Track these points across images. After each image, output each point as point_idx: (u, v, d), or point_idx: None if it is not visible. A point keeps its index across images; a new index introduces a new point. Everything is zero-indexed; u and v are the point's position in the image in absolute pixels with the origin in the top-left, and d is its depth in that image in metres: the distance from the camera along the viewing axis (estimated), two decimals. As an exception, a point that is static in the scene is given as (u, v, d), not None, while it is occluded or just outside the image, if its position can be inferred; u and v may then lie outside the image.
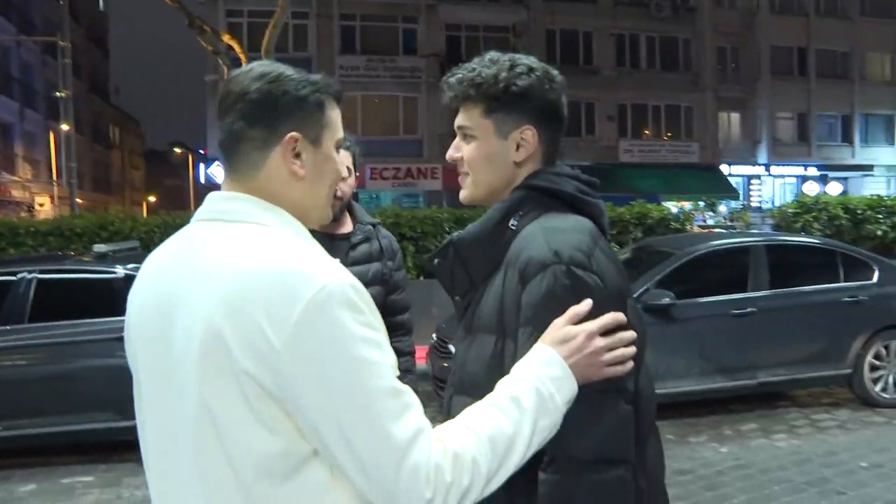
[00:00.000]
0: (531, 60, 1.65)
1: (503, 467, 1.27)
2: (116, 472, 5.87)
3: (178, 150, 66.21)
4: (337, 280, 1.17)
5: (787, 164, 35.29)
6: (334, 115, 1.39)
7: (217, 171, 27.87)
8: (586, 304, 1.43)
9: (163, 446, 1.28)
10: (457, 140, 1.68)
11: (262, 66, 1.34)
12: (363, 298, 1.19)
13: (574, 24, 31.98)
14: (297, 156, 1.32)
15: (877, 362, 7.23)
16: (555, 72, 1.66)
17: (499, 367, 1.49)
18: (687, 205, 19.18)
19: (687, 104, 34.02)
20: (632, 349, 1.45)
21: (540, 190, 1.61)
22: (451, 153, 1.69)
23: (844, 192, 29.57)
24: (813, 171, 35.33)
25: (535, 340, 1.42)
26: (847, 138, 36.60)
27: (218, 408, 1.16)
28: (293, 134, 1.31)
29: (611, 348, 1.42)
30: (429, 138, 29.43)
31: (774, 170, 35.69)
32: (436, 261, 1.67)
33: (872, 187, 32.88)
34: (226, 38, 15.49)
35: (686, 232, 12.02)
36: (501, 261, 1.57)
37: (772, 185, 36.14)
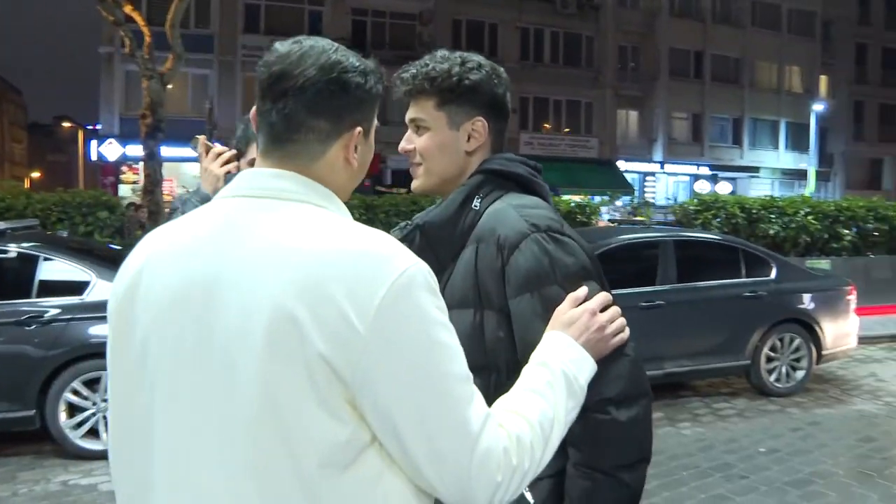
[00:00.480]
0: (480, 58, 1.75)
1: (548, 450, 1.32)
2: (9, 466, 5.56)
3: (66, 124, 62.82)
4: (416, 263, 1.16)
5: (681, 163, 36.67)
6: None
7: (109, 150, 26.88)
8: (582, 291, 1.54)
9: (179, 441, 1.16)
10: (409, 133, 1.75)
11: (325, 52, 1.25)
12: (436, 283, 1.20)
13: (480, 16, 32.23)
14: (355, 147, 1.31)
15: (772, 354, 7.61)
16: (501, 69, 1.77)
17: (479, 338, 1.59)
18: (596, 199, 19.60)
19: (587, 100, 34.84)
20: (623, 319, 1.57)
21: (496, 173, 1.71)
22: (403, 145, 1.76)
23: (733, 192, 30.99)
24: (704, 171, 36.87)
25: (538, 302, 1.53)
26: (737, 140, 38.33)
27: (283, 396, 1.08)
28: (358, 129, 1.30)
29: (611, 321, 1.53)
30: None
31: (668, 167, 37.01)
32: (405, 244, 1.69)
33: (758, 188, 34.58)
34: (127, 8, 14.86)
35: (591, 225, 12.32)
36: (466, 240, 1.66)
37: (665, 182, 37.45)
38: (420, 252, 1.60)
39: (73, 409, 5.62)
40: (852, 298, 8.12)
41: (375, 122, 1.37)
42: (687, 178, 37.25)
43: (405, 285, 1.12)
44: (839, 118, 41.50)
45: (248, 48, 27.91)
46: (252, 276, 1.12)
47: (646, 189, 36.39)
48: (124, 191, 26.11)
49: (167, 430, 1.16)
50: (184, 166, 26.35)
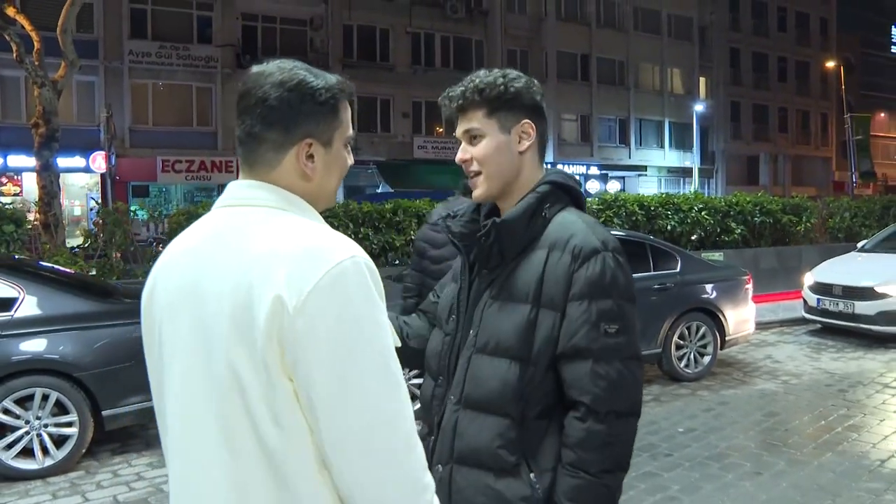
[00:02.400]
0: (517, 72, 1.93)
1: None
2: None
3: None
4: (354, 256, 1.28)
5: (572, 163, 37.58)
6: (346, 115, 1.49)
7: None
8: None
9: (177, 418, 1.38)
10: (463, 145, 1.91)
11: (282, 71, 1.41)
12: (375, 278, 1.31)
13: (371, 21, 32.16)
14: (310, 157, 1.43)
15: (681, 342, 8.10)
16: (535, 80, 1.95)
17: (530, 332, 1.77)
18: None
19: (479, 103, 35.24)
20: None
21: (559, 186, 1.91)
22: (460, 156, 1.92)
23: (622, 190, 32.07)
24: (594, 170, 37.94)
25: (593, 310, 1.74)
26: (624, 140, 39.63)
27: (243, 371, 1.26)
28: (307, 140, 1.42)
29: None
30: (223, 130, 28.44)
31: (560, 168, 37.77)
32: (482, 238, 1.87)
33: (646, 186, 35.91)
34: (11, 10, 14.24)
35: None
36: (532, 242, 1.84)
37: (557, 182, 38.22)
38: (492, 245, 1.85)
39: (3, 429, 5.45)
40: (750, 287, 8.72)
41: (349, 132, 1.50)
42: (578, 178, 38.20)
43: (338, 275, 1.25)
44: (718, 118, 43.59)
45: (135, 54, 27.01)
46: (224, 274, 1.31)
47: (538, 189, 37.05)
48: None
49: (171, 408, 1.40)
50: (70, 177, 25.36)
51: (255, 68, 1.44)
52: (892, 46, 58.20)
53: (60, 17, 13.40)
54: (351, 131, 1.52)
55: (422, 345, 2.08)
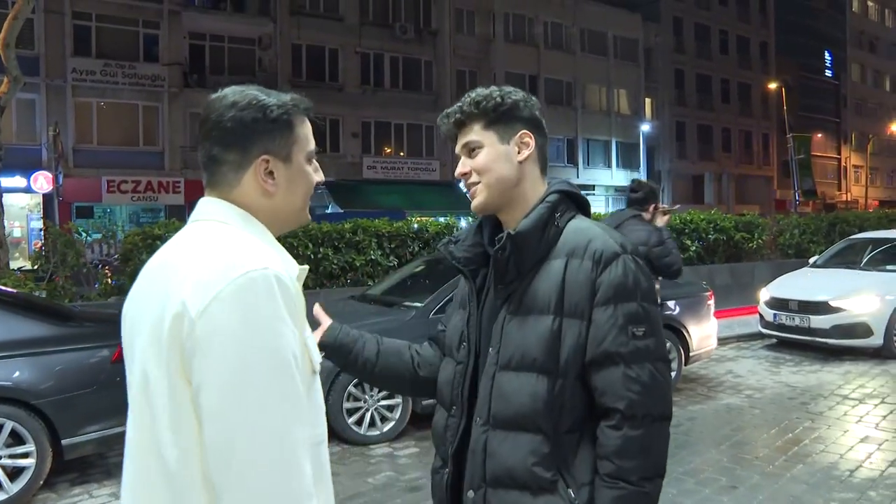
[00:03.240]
0: (514, 88, 1.94)
1: None
2: None
3: None
4: (265, 269, 1.30)
5: (520, 183, 37.87)
6: (304, 130, 1.52)
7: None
8: None
9: (135, 441, 1.39)
10: (462, 159, 1.91)
11: (235, 93, 1.46)
12: (286, 293, 1.31)
13: (320, 41, 32.03)
14: (270, 174, 1.46)
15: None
16: (531, 95, 1.95)
17: (555, 342, 1.75)
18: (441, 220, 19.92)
19: (428, 123, 35.27)
20: None
21: (567, 194, 1.90)
22: (460, 169, 1.91)
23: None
24: (543, 190, 38.24)
25: (620, 314, 1.72)
26: (572, 160, 40.06)
27: (150, 370, 1.31)
28: (264, 157, 1.45)
29: None
30: (170, 150, 27.96)
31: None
32: (497, 252, 1.83)
33: (594, 205, 36.07)
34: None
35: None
36: (548, 252, 1.82)
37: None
38: (508, 258, 1.81)
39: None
40: (711, 303, 8.80)
41: (309, 147, 1.52)
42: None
43: (244, 284, 1.26)
44: (664, 138, 44.42)
45: (78, 72, 26.41)
46: (158, 287, 1.35)
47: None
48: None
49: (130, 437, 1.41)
50: (9, 197, 24.59)
51: (212, 95, 1.49)
52: (827, 70, 60.05)
53: (2, 31, 13.00)
54: (312, 146, 1.54)
55: (432, 373, 2.07)
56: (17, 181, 23.82)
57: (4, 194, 22.90)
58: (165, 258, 1.40)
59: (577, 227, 1.83)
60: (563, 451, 1.74)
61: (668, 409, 1.75)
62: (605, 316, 1.72)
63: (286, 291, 1.30)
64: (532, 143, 1.88)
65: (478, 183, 1.87)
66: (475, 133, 1.86)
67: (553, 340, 1.74)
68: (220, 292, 1.25)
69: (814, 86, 56.77)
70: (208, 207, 1.46)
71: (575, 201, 1.91)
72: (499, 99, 1.86)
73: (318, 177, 1.56)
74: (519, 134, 1.87)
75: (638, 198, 6.12)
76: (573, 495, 1.72)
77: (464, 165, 1.89)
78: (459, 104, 1.89)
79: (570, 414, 1.74)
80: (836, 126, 60.01)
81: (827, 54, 59.80)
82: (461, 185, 1.92)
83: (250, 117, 1.43)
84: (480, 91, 1.88)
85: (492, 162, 1.85)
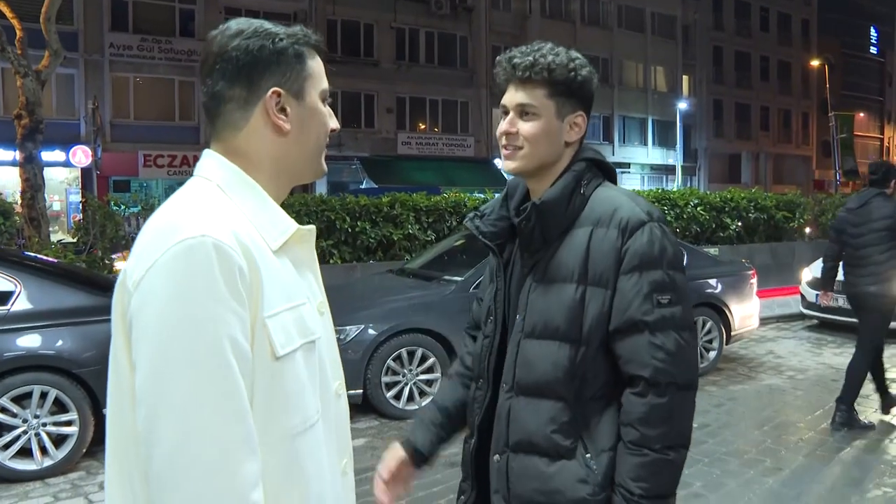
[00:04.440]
0: (582, 57, 1.85)
1: None
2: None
3: None
4: (203, 236, 1.14)
5: (555, 160, 37.70)
6: (316, 65, 1.37)
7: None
8: None
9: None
10: (511, 116, 1.82)
11: (238, 22, 1.32)
12: (226, 263, 1.15)
13: (355, 16, 31.92)
14: (283, 110, 1.32)
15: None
16: (594, 70, 1.88)
17: (578, 311, 1.73)
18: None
19: (463, 99, 35.18)
20: None
21: (594, 162, 1.86)
22: (506, 127, 1.83)
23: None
24: (578, 167, 38.00)
25: (645, 282, 1.69)
26: (608, 137, 39.67)
27: (116, 346, 1.21)
28: (275, 89, 1.30)
29: None
30: (206, 125, 28.07)
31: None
32: (521, 222, 1.81)
33: (630, 183, 35.96)
34: (-9, -1, 13.91)
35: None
36: (574, 221, 1.79)
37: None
38: (533, 227, 1.78)
39: (0, 428, 5.21)
40: (754, 282, 8.64)
41: (323, 85, 1.38)
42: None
43: (178, 252, 1.13)
44: (701, 116, 43.79)
45: (115, 47, 26.62)
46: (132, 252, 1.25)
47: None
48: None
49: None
50: (50, 171, 24.85)
51: (213, 31, 1.34)
52: (872, 47, 58.71)
53: (44, 6, 13.09)
54: (325, 84, 1.39)
55: None
56: (57, 155, 24.07)
57: (45, 168, 23.25)
58: (147, 222, 1.28)
59: (603, 196, 1.80)
60: (586, 419, 1.74)
61: (693, 377, 1.74)
62: (629, 284, 1.70)
63: (225, 261, 1.14)
64: (584, 125, 1.84)
65: (520, 148, 1.80)
66: (536, 98, 1.78)
67: (576, 309, 1.73)
68: (156, 262, 1.13)
69: (857, 63, 55.50)
70: (204, 162, 1.33)
71: (601, 169, 1.87)
72: (573, 74, 1.78)
73: (334, 123, 1.41)
74: (575, 114, 1.81)
75: (878, 178, 6.32)
76: (591, 461, 1.72)
77: (511, 124, 1.81)
78: (531, 58, 1.78)
79: (593, 382, 1.74)
80: (879, 105, 58.69)
81: (873, 30, 58.43)
82: (501, 139, 1.83)
83: (257, 45, 1.29)
84: (555, 55, 1.78)
85: (543, 135, 1.79)
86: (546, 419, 1.74)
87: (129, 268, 1.18)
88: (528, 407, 1.77)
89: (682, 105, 40.69)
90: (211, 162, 1.32)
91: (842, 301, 9.98)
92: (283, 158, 1.34)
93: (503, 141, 1.82)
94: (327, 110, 1.40)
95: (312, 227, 1.41)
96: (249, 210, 1.28)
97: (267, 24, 1.32)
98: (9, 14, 13.25)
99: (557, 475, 1.73)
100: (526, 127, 1.79)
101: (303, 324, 1.29)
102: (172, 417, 1.09)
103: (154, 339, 1.11)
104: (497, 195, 2.01)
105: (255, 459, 1.14)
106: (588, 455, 1.72)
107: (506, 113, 1.83)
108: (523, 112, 1.79)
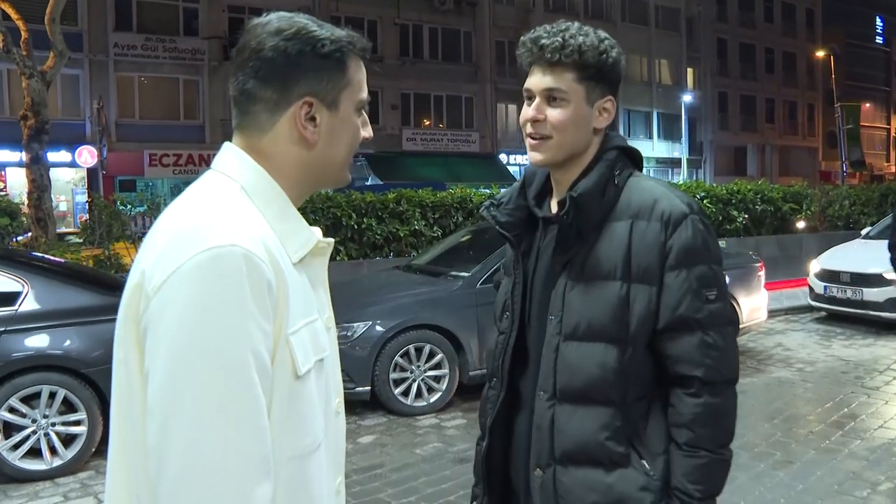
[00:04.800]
0: (611, 38, 1.74)
1: None
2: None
3: None
4: (232, 245, 1.08)
5: (560, 155, 37.60)
6: (358, 74, 1.29)
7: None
8: None
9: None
10: (538, 102, 1.69)
11: (281, 19, 1.24)
12: (256, 276, 1.09)
13: (359, 12, 31.87)
14: (312, 119, 1.24)
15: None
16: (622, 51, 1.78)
17: (623, 309, 1.64)
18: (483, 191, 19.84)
19: (467, 95, 35.14)
20: None
21: (624, 151, 1.77)
22: (533, 114, 1.70)
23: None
24: (583, 161, 37.92)
25: (693, 277, 1.63)
26: (613, 131, 39.49)
27: (127, 352, 1.14)
28: (307, 98, 1.23)
29: None
30: (211, 123, 28.18)
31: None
32: (564, 217, 1.69)
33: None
34: (-1, 2, 13.95)
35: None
36: (609, 213, 1.69)
37: (546, 174, 38.27)
38: (571, 223, 1.67)
39: (9, 429, 5.21)
40: (762, 274, 8.62)
41: (361, 95, 1.30)
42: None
43: (205, 260, 1.07)
44: (706, 108, 43.61)
45: (120, 46, 26.66)
46: (141, 250, 1.19)
47: (527, 181, 37.10)
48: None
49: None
50: (55, 172, 24.85)
51: (254, 20, 1.26)
52: (877, 37, 58.45)
53: (48, 6, 13.11)
54: (364, 94, 1.31)
55: None
56: (63, 156, 24.12)
57: (50, 169, 23.24)
58: (160, 219, 1.21)
59: (639, 186, 1.71)
60: (634, 422, 1.67)
61: (737, 373, 1.70)
62: (677, 280, 1.63)
63: (255, 273, 1.08)
64: (613, 110, 1.73)
65: (549, 137, 1.69)
66: (564, 82, 1.66)
67: (622, 307, 1.64)
68: (179, 268, 1.06)
69: (862, 53, 55.21)
70: (225, 156, 1.25)
71: (630, 157, 1.78)
72: (604, 56, 1.67)
73: (367, 132, 1.33)
74: (604, 99, 1.71)
75: None
76: (648, 467, 1.66)
77: (539, 111, 1.69)
78: (560, 39, 1.65)
79: (637, 383, 1.67)
80: (885, 95, 58.42)
81: (878, 20, 58.14)
82: (526, 127, 1.71)
83: (296, 49, 1.20)
84: (585, 36, 1.67)
85: (572, 122, 1.68)
86: (598, 426, 1.65)
87: (147, 270, 1.11)
88: (576, 415, 1.67)
89: (687, 98, 40.56)
90: (233, 158, 1.25)
91: (850, 293, 10.02)
92: (306, 167, 1.27)
93: (528, 129, 1.71)
94: (361, 119, 1.33)
95: (331, 241, 1.36)
96: (274, 218, 1.21)
97: (312, 26, 1.24)
98: (14, 16, 13.28)
99: (617, 485, 1.64)
100: (554, 114, 1.68)
101: (316, 340, 1.24)
102: (186, 432, 1.03)
103: (173, 348, 1.05)
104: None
105: (268, 482, 1.09)
106: (644, 461, 1.66)
107: (530, 98, 1.71)
108: (551, 98, 1.68)
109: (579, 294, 1.68)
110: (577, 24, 1.71)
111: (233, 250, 1.07)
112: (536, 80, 1.69)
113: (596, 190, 1.68)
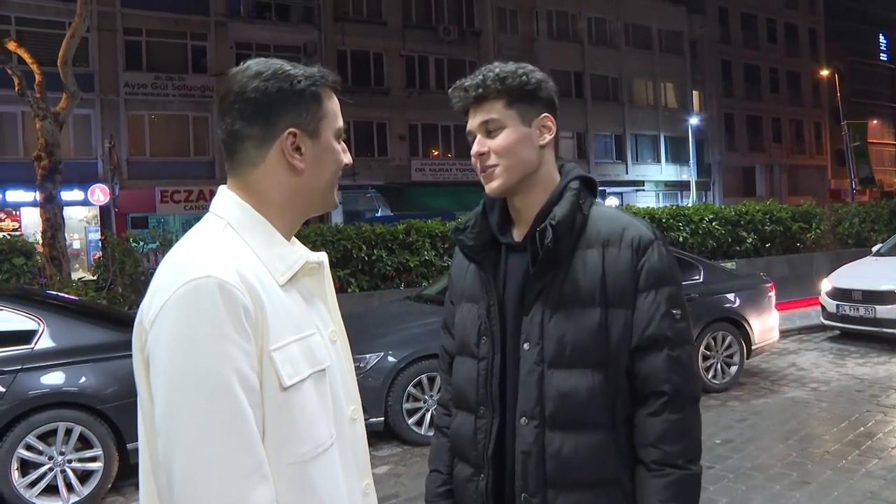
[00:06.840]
0: (531, 65, 1.83)
1: None
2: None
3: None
4: (208, 276, 1.21)
5: (568, 180, 37.61)
6: (332, 105, 1.43)
7: None
8: None
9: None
10: (479, 138, 1.78)
11: (258, 63, 1.37)
12: (230, 303, 1.21)
13: (365, 46, 32.17)
14: (298, 149, 1.37)
15: (707, 352, 7.94)
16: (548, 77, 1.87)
17: (605, 335, 1.71)
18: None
19: (474, 124, 35.25)
20: None
21: (585, 181, 1.84)
22: (477, 149, 1.79)
23: (621, 206, 32.02)
24: (593, 187, 37.95)
25: (662, 298, 1.71)
26: (620, 156, 39.64)
27: (138, 382, 1.29)
28: (291, 129, 1.36)
29: None
30: (220, 159, 28.33)
31: (558, 185, 37.83)
32: (550, 244, 1.73)
33: (644, 201, 35.87)
34: (11, 45, 14.21)
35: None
36: (577, 241, 1.76)
37: (555, 200, 38.27)
38: (553, 250, 1.72)
39: (26, 466, 5.26)
40: (772, 295, 8.61)
41: (338, 124, 1.44)
42: (575, 195, 38.23)
43: (186, 292, 1.19)
44: (712, 130, 43.63)
45: (130, 86, 26.99)
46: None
47: (537, 207, 37.11)
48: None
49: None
50: (68, 210, 25.06)
51: (233, 69, 1.40)
52: (881, 54, 58.54)
53: (61, 50, 13.33)
54: (340, 123, 1.45)
55: None
56: (76, 194, 24.35)
57: (64, 207, 23.42)
58: (164, 258, 1.35)
59: (604, 215, 1.79)
60: (621, 445, 1.72)
61: (699, 390, 1.78)
62: (647, 301, 1.71)
63: (230, 300, 1.20)
64: (553, 126, 1.80)
65: (496, 165, 1.76)
66: (496, 111, 1.75)
67: (602, 333, 1.70)
68: (167, 301, 1.20)
69: (867, 71, 55.31)
70: (217, 199, 1.39)
71: (591, 187, 1.86)
72: (524, 77, 1.75)
73: (347, 158, 1.46)
74: (541, 117, 1.78)
75: None
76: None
77: (481, 145, 1.76)
78: (480, 77, 1.76)
79: (623, 405, 1.72)
80: (892, 111, 58.33)
81: (882, 37, 58.28)
82: (475, 164, 1.79)
83: (275, 87, 1.34)
84: (503, 66, 1.77)
85: (514, 144, 1.75)
86: (591, 451, 1.69)
87: (145, 305, 1.25)
88: (569, 440, 1.70)
89: (694, 120, 40.64)
90: (223, 199, 1.38)
91: (862, 311, 9.99)
92: (296, 194, 1.40)
93: (478, 166, 1.78)
94: (341, 147, 1.45)
95: (322, 257, 1.47)
96: (258, 247, 1.34)
97: (286, 66, 1.37)
98: (28, 60, 13.51)
99: None
100: (495, 142, 1.75)
101: (311, 354, 1.34)
102: (184, 449, 1.16)
103: (166, 375, 1.18)
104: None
105: (266, 485, 1.20)
106: (632, 482, 1.71)
107: (473, 139, 1.79)
108: (488, 130, 1.76)
109: (560, 322, 1.72)
110: (496, 62, 1.80)
111: (207, 281, 1.20)
112: (472, 121, 1.79)
113: (569, 216, 1.75)
